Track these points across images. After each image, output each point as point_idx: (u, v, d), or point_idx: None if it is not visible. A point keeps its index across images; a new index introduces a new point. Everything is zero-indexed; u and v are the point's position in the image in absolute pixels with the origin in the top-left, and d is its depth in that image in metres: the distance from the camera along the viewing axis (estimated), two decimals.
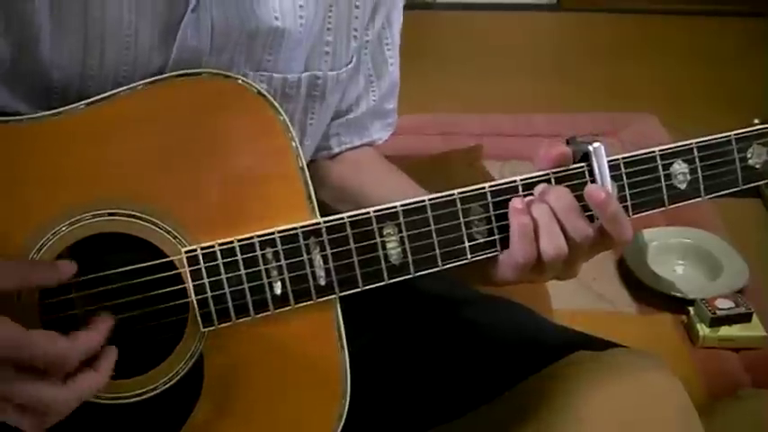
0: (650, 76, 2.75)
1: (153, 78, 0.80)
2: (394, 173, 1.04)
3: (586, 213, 0.82)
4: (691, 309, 1.74)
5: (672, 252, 1.93)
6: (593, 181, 0.83)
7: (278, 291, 0.79)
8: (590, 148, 0.82)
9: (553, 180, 0.83)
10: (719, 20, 3.07)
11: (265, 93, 0.80)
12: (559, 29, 3.22)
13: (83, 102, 0.78)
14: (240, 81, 0.80)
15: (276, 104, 0.81)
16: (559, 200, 0.81)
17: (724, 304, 1.71)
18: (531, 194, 0.83)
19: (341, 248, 0.80)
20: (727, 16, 3.08)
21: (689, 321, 1.73)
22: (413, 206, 0.81)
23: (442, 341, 0.96)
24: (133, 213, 0.78)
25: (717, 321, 1.69)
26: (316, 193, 0.82)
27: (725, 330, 1.70)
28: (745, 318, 1.71)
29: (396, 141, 1.12)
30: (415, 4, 3.01)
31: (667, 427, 0.85)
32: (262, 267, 0.79)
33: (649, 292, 1.81)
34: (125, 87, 0.79)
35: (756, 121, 0.88)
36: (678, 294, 1.79)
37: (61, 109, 0.78)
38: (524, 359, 0.91)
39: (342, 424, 0.82)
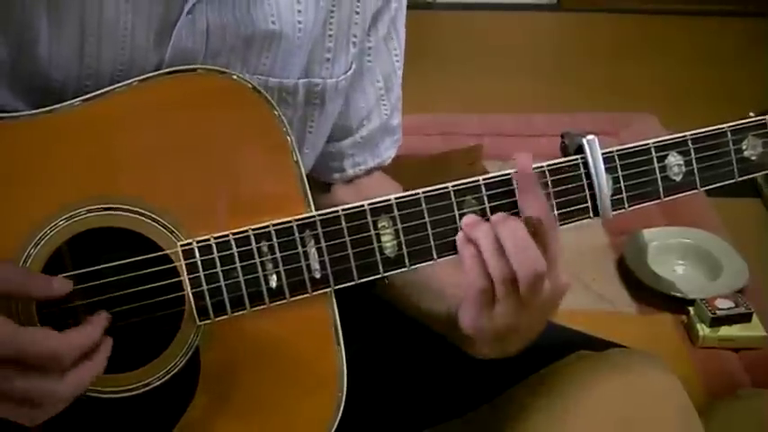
0: (650, 76, 2.74)
1: (148, 75, 0.80)
2: None
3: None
4: (691, 309, 1.73)
5: (672, 252, 1.92)
6: (588, 173, 0.83)
7: (273, 284, 0.79)
8: (584, 140, 0.83)
9: (548, 173, 0.83)
10: (719, 20, 3.06)
11: (260, 89, 0.81)
12: (559, 29, 3.22)
13: (78, 99, 0.79)
14: (235, 77, 0.80)
15: (271, 100, 0.81)
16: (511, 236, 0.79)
17: (724, 304, 1.71)
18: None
19: (335, 241, 0.80)
20: (727, 16, 3.07)
21: (689, 321, 1.73)
22: (407, 199, 0.81)
23: (442, 340, 0.96)
24: (129, 208, 0.78)
25: (717, 321, 1.69)
26: None
27: (725, 330, 1.69)
28: (745, 318, 1.70)
29: None
30: (415, 4, 2.98)
31: (667, 427, 0.85)
32: (257, 260, 0.79)
33: (649, 292, 1.81)
34: (120, 84, 0.79)
35: (752, 114, 0.88)
36: (678, 294, 1.78)
37: (57, 106, 0.78)
38: (524, 358, 0.90)
39: (339, 417, 0.82)
